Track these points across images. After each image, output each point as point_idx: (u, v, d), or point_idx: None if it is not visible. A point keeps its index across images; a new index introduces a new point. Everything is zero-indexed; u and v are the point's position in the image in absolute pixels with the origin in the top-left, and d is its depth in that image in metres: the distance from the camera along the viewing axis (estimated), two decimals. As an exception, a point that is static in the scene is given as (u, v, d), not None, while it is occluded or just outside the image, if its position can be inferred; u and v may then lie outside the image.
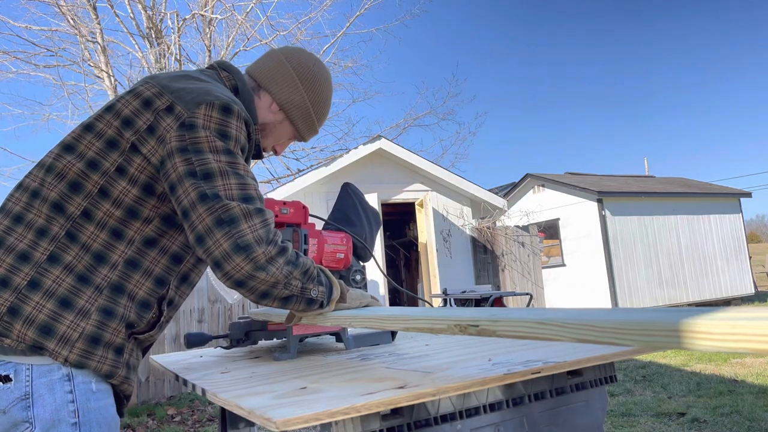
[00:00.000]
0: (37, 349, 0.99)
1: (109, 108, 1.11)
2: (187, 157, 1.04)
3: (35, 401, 0.98)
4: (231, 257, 0.99)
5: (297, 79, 1.31)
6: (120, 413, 1.12)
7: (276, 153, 1.41)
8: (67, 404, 1.00)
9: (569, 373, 1.11)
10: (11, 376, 0.98)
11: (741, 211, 14.07)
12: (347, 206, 1.63)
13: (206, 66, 1.31)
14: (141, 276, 1.08)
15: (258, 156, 1.33)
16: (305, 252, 1.43)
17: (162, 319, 1.13)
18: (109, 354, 1.04)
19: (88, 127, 1.10)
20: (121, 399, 1.12)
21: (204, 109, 1.06)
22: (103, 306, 1.04)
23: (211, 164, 1.03)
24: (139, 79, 1.23)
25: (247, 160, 1.15)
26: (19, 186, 1.10)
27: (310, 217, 1.48)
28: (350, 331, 1.57)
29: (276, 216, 1.39)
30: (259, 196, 1.08)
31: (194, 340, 1.58)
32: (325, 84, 1.37)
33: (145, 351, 1.19)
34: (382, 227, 8.74)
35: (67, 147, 1.09)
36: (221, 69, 1.28)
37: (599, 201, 11.90)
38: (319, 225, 1.55)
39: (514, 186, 13.82)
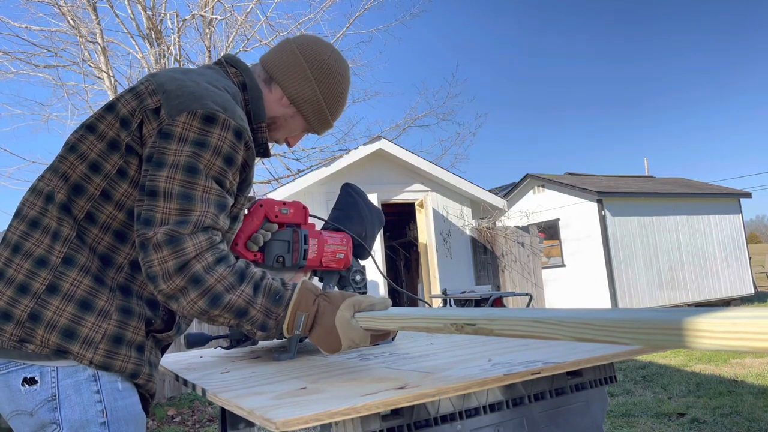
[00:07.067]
0: (61, 353, 0.99)
1: (110, 107, 1.10)
2: (146, 169, 1.03)
3: (62, 402, 0.99)
4: (148, 282, 1.00)
5: (309, 71, 1.25)
6: (146, 412, 1.13)
7: (289, 145, 1.39)
8: (95, 404, 1.01)
9: (569, 373, 1.11)
10: (37, 378, 0.99)
11: (741, 212, 14.06)
12: (347, 205, 1.62)
13: (214, 62, 1.28)
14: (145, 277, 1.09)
15: (265, 154, 1.31)
16: (305, 252, 1.40)
17: (178, 318, 1.13)
18: (132, 353, 1.05)
19: (90, 128, 1.09)
20: (146, 398, 1.12)
21: (185, 117, 1.02)
22: (121, 306, 1.04)
23: (159, 182, 1.00)
24: (139, 78, 1.21)
25: (246, 168, 1.12)
26: (32, 189, 1.10)
27: (310, 218, 1.48)
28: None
29: (276, 216, 1.38)
30: (213, 217, 1.02)
31: (194, 341, 1.58)
32: (339, 77, 1.30)
33: (163, 351, 1.19)
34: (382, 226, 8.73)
35: (72, 148, 1.09)
36: (229, 65, 1.25)
37: (599, 201, 11.89)
38: (319, 225, 1.55)
39: (514, 186, 13.81)
